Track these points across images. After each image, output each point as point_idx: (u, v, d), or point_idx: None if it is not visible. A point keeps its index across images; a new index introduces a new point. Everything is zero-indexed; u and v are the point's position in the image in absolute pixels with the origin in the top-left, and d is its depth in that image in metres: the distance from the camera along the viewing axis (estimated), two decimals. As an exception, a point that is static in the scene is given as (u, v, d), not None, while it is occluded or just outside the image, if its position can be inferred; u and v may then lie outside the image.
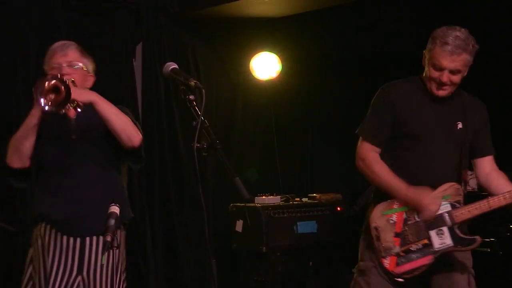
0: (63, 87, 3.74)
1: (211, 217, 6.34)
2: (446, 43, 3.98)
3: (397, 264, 4.05)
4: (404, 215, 4.09)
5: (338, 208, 6.63)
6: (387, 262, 4.05)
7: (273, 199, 6.48)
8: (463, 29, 4.04)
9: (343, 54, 6.86)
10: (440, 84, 4.05)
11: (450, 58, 3.99)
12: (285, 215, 6.35)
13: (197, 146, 3.34)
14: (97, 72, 6.15)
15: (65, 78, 3.83)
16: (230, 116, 7.24)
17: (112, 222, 3.48)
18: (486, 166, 4.29)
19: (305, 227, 6.40)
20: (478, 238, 4.08)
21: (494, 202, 4.09)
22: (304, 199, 6.69)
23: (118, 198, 4.02)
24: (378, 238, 4.08)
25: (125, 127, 3.98)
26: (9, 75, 5.76)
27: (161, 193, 6.54)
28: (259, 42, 7.12)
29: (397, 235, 4.07)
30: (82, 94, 3.90)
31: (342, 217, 6.62)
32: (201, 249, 6.38)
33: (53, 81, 3.75)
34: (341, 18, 6.55)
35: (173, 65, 3.59)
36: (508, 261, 5.47)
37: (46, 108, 3.75)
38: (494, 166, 4.30)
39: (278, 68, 7.14)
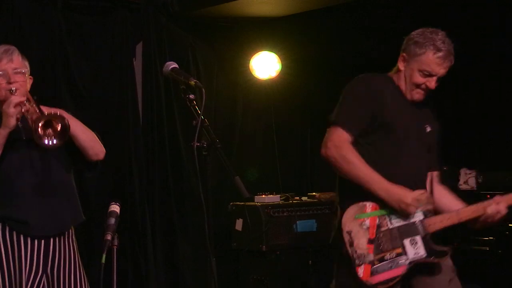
0: (54, 121, 3.81)
1: (211, 216, 6.33)
2: (439, 50, 3.90)
3: (372, 274, 3.80)
4: (377, 221, 3.87)
5: (338, 207, 6.62)
6: (361, 271, 3.79)
7: (272, 198, 6.48)
8: (442, 31, 3.97)
9: (343, 53, 6.86)
10: (423, 90, 3.98)
11: (443, 64, 3.93)
12: (285, 214, 6.36)
13: (197, 145, 3.35)
14: (98, 72, 6.25)
15: (13, 87, 3.92)
16: (230, 115, 7.24)
17: (112, 221, 3.49)
18: (434, 180, 4.14)
19: (305, 226, 6.40)
20: (448, 249, 3.94)
21: (464, 214, 3.96)
22: (304, 198, 6.70)
23: (74, 201, 4.21)
24: (352, 244, 3.82)
25: (93, 144, 4.12)
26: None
27: (161, 192, 6.53)
28: (259, 42, 7.12)
29: (370, 241, 3.82)
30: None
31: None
32: (201, 248, 6.37)
33: (44, 120, 3.79)
34: (340, 18, 6.55)
35: (173, 64, 3.60)
36: (508, 260, 5.47)
37: (52, 143, 3.81)
38: (439, 181, 4.17)
39: (278, 67, 7.12)
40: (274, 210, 6.30)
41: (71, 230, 4.18)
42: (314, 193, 6.73)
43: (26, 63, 4.11)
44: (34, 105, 3.89)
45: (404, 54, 4.02)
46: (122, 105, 6.37)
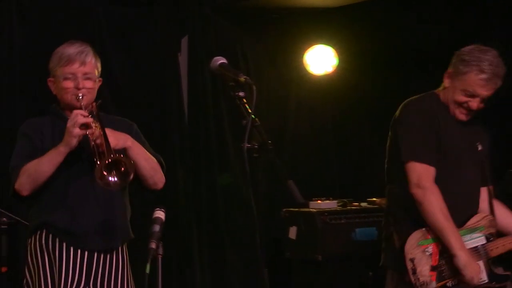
0: (122, 162, 3.83)
1: (263, 223, 6.34)
2: (483, 71, 3.98)
3: None
4: (440, 247, 4.04)
5: (400, 214, 6.58)
6: None
7: (329, 204, 6.46)
8: (493, 51, 4.05)
9: (405, 46, 6.81)
10: (466, 109, 4.08)
11: (486, 86, 4.02)
12: (343, 221, 6.33)
13: (247, 146, 3.31)
14: (140, 68, 6.29)
15: (80, 94, 4.00)
16: (282, 114, 7.28)
17: (157, 228, 3.55)
18: (491, 195, 4.28)
19: (364, 234, 6.36)
20: (511, 273, 4.14)
21: None
22: (363, 204, 6.67)
23: (124, 219, 4.25)
24: (414, 272, 4.00)
25: (153, 174, 4.15)
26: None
27: (208, 198, 6.55)
28: (314, 34, 7.15)
29: (433, 268, 4.01)
30: (118, 141, 3.97)
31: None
32: (251, 257, 6.39)
33: (108, 161, 3.80)
34: (402, 8, 6.52)
35: (221, 60, 3.59)
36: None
37: (113, 185, 3.84)
38: (492, 196, 4.30)
39: (334, 62, 7.16)
40: (331, 216, 6.28)
41: (122, 246, 4.21)
42: (374, 199, 6.69)
43: (98, 65, 4.17)
44: (99, 127, 3.92)
45: (450, 71, 4.12)
46: (166, 104, 6.41)
